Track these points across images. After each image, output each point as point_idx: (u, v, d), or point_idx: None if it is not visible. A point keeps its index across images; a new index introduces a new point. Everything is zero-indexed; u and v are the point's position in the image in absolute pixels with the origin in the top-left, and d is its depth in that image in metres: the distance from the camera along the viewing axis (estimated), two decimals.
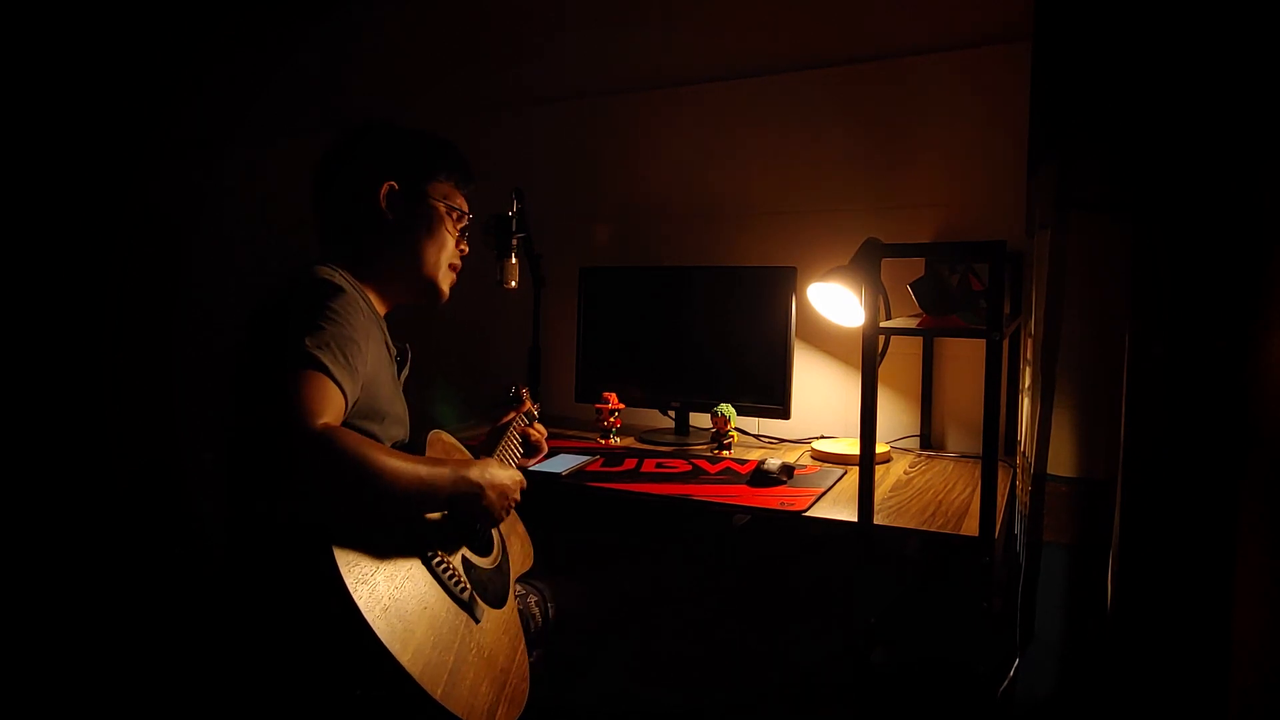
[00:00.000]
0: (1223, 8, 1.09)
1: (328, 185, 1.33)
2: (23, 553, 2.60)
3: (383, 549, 1.05)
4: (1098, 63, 1.25)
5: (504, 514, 1.21)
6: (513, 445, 1.51)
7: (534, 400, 1.70)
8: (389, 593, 1.02)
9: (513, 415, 1.61)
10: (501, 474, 1.20)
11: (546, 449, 1.63)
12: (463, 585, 1.14)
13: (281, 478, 1.01)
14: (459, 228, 1.40)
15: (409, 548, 1.10)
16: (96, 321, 2.97)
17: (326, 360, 1.03)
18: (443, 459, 1.20)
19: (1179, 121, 1.13)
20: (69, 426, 2.87)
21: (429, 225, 1.35)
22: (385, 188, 1.30)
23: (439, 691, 1.00)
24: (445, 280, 1.39)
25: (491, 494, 1.17)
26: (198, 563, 2.52)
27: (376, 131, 1.35)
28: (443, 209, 1.36)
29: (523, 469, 1.65)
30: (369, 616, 0.97)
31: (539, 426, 1.62)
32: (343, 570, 0.98)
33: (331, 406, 1.02)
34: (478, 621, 1.14)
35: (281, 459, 0.98)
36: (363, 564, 1.01)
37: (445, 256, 1.38)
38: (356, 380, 1.09)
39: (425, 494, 1.09)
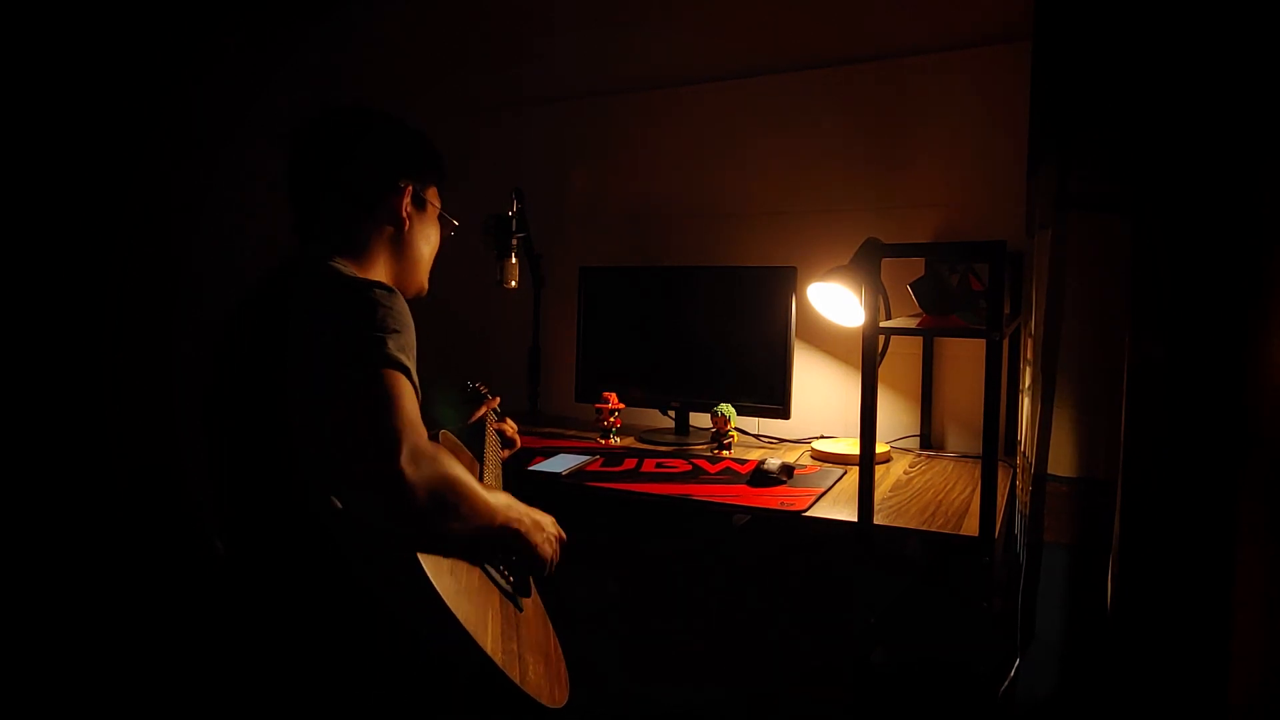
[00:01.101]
0: (1223, 8, 1.09)
1: (336, 178, 1.29)
2: (23, 552, 2.60)
3: (448, 549, 1.07)
4: (1097, 63, 1.25)
5: (550, 550, 1.24)
6: (494, 443, 1.52)
7: (494, 395, 1.70)
8: (460, 586, 1.04)
9: (484, 410, 1.60)
10: (539, 513, 1.25)
11: (520, 443, 1.64)
12: (506, 575, 1.18)
13: (376, 486, 0.98)
14: (441, 228, 1.42)
15: (462, 545, 1.12)
16: (96, 321, 2.96)
17: (409, 364, 1.04)
18: (490, 486, 1.23)
19: (1179, 121, 1.13)
20: (69, 426, 2.86)
21: (428, 230, 1.36)
22: (406, 194, 1.30)
23: (517, 678, 1.02)
24: (427, 279, 1.41)
25: (527, 521, 1.20)
26: (198, 563, 2.52)
27: (385, 127, 1.33)
28: (437, 213, 1.38)
29: (522, 469, 1.65)
30: (453, 607, 0.98)
31: (509, 420, 1.62)
32: (424, 565, 0.99)
33: (418, 414, 1.03)
34: (520, 610, 1.17)
35: (380, 468, 0.97)
36: (436, 559, 1.03)
37: (433, 258, 1.40)
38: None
39: (489, 517, 1.12)
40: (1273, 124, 1.05)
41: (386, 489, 0.97)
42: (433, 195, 1.37)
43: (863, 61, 2.01)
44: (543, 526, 1.23)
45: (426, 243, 1.36)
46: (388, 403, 0.99)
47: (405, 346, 1.06)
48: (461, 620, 0.98)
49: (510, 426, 1.62)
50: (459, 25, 2.57)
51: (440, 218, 1.38)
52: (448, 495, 1.02)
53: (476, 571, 1.11)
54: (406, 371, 1.03)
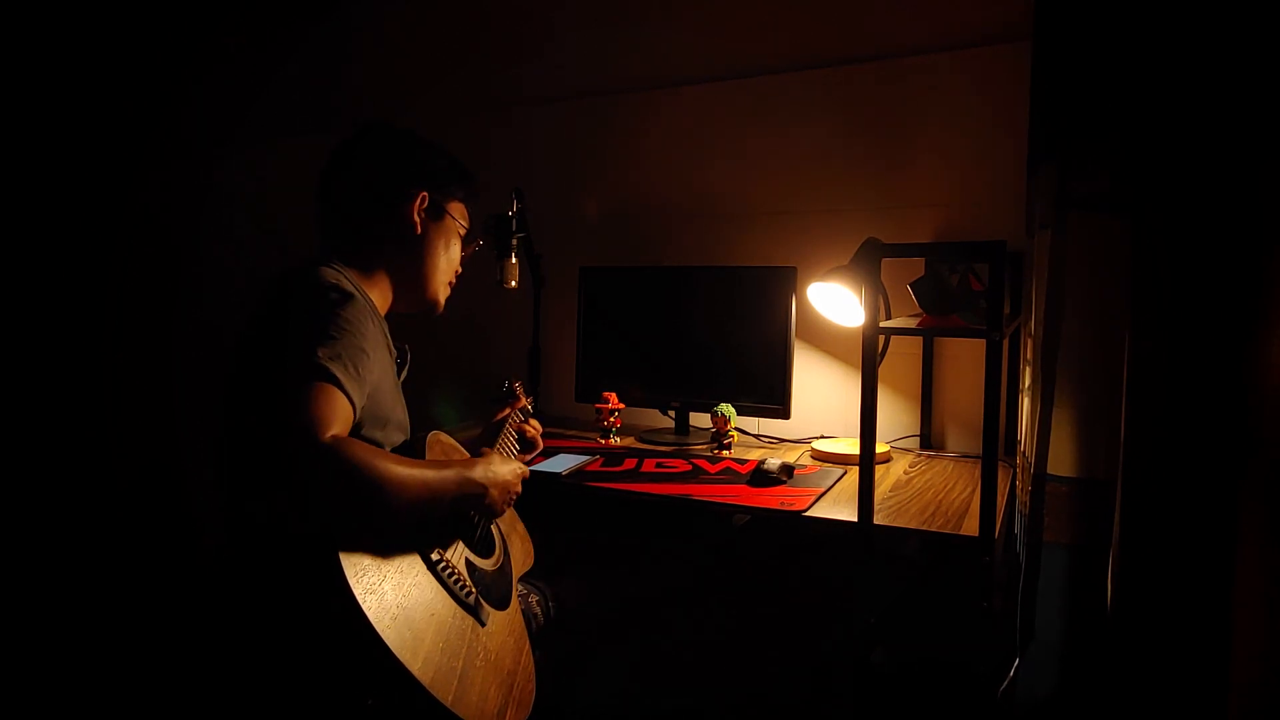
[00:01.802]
0: (1223, 8, 1.09)
1: (352, 183, 1.31)
2: (23, 552, 2.60)
3: (388, 555, 1.05)
4: (1097, 63, 1.25)
5: (505, 509, 1.23)
6: (509, 443, 1.51)
7: (528, 395, 1.69)
8: (396, 601, 1.01)
9: (508, 411, 1.60)
10: (503, 469, 1.22)
11: (542, 445, 1.63)
12: (467, 589, 1.14)
13: (287, 486, 0.99)
14: (464, 246, 1.43)
15: (413, 552, 1.09)
16: (96, 322, 2.97)
17: (338, 372, 1.03)
18: (446, 461, 1.20)
19: (1179, 121, 1.13)
20: (69, 427, 2.87)
21: (446, 241, 1.37)
22: (419, 199, 1.30)
23: (449, 698, 1.00)
24: (444, 295, 1.41)
25: (495, 491, 1.18)
26: (198, 563, 2.52)
27: (407, 138, 1.35)
28: (459, 227, 1.39)
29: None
30: (379, 627, 0.96)
31: (534, 423, 1.62)
32: (351, 582, 0.97)
33: (341, 419, 1.02)
34: (483, 625, 1.14)
35: (289, 469, 0.97)
36: (370, 573, 1.01)
37: (450, 273, 1.40)
38: (364, 391, 1.09)
39: (432, 500, 1.08)
40: (1273, 124, 1.05)
41: (291, 494, 0.98)
42: (456, 210, 1.38)
43: (863, 61, 2.00)
44: (509, 488, 1.22)
45: (443, 253, 1.36)
46: (297, 410, 0.98)
47: (340, 353, 1.04)
48: (387, 640, 0.96)
49: (533, 428, 1.60)
50: (459, 25, 2.57)
51: (452, 225, 1.38)
52: (362, 495, 0.99)
53: (428, 582, 1.08)
54: (332, 379, 1.02)
